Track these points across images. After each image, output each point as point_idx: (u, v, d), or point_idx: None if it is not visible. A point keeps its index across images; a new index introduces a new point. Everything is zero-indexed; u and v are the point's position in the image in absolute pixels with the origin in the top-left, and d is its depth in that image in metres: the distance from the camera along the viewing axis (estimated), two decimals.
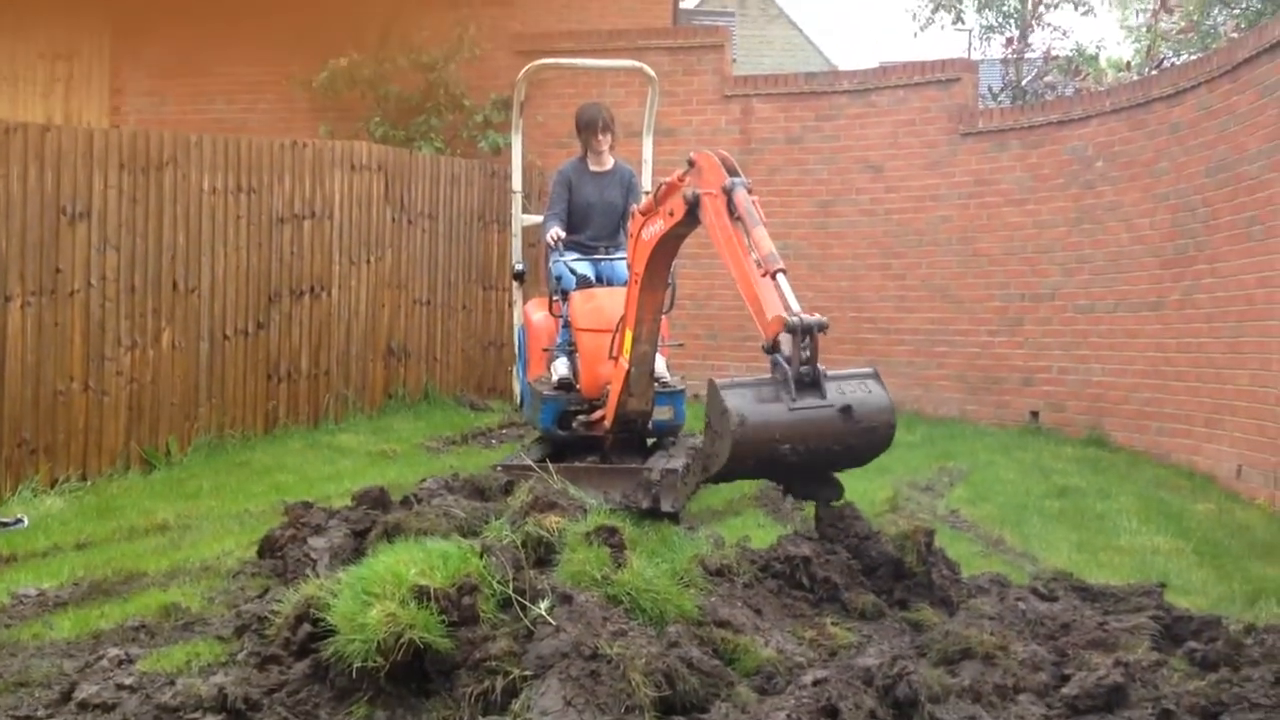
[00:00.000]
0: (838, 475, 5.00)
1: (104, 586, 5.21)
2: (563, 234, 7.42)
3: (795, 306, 4.83)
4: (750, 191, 5.13)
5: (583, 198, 7.58)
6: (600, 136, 7.56)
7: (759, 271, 4.92)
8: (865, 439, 4.82)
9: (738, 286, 5.09)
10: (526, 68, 8.36)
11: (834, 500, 4.96)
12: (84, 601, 5.01)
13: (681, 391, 7.13)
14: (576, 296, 7.18)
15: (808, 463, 4.78)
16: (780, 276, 4.86)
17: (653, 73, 8.36)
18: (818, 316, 4.79)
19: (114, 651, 4.14)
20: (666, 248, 5.88)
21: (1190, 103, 8.91)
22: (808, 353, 4.72)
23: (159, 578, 5.36)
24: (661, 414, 6.87)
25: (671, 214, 5.56)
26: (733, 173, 5.19)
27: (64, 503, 6.94)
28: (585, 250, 7.51)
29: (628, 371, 6.34)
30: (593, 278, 7.43)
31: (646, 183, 8.29)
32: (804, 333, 4.71)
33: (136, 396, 7.93)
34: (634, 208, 6.12)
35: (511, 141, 8.71)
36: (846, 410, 4.72)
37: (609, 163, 7.68)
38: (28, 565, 5.66)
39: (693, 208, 5.34)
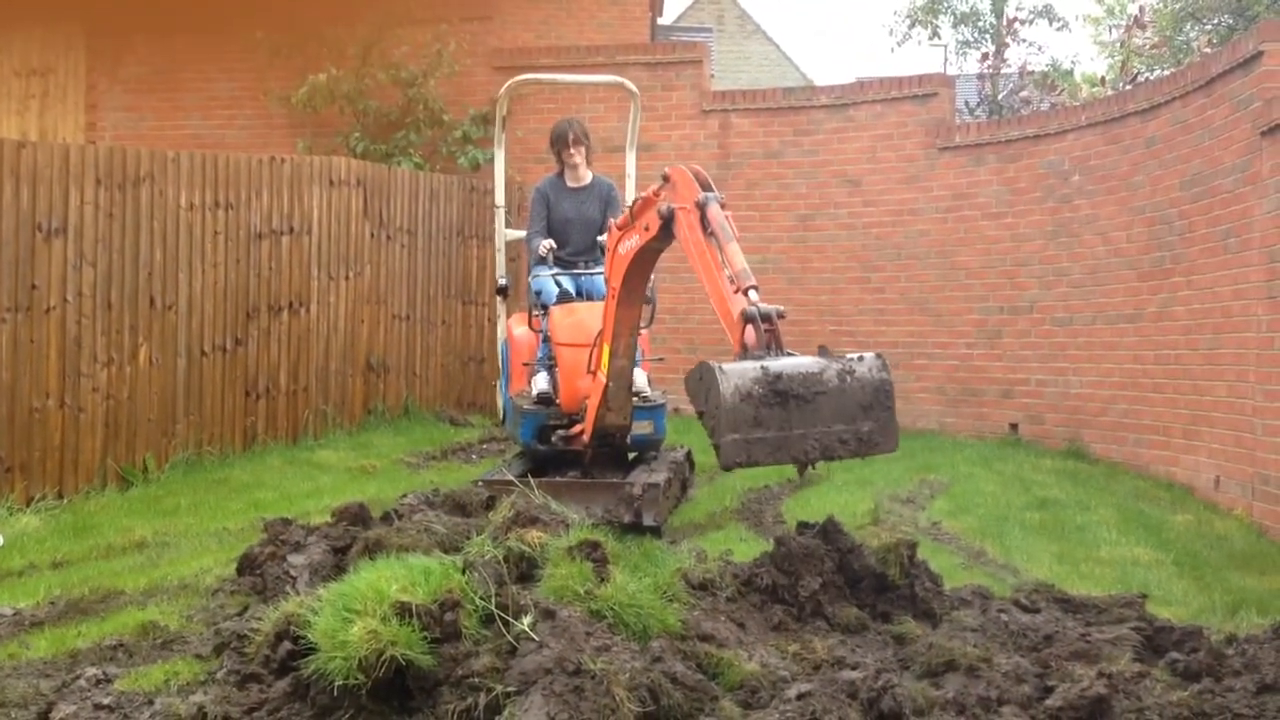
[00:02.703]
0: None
1: (81, 605, 5.15)
2: (554, 245, 7.42)
3: (778, 308, 4.80)
4: (724, 206, 5.13)
5: (560, 213, 7.58)
6: (571, 150, 7.57)
7: (731, 288, 4.92)
8: (857, 388, 4.61)
9: (711, 301, 5.09)
10: (508, 83, 8.35)
11: (890, 449, 4.69)
12: (61, 620, 4.95)
13: (662, 406, 7.15)
14: (556, 311, 7.19)
15: (811, 413, 4.53)
16: (752, 293, 4.85)
17: (634, 88, 8.38)
18: (776, 307, 4.78)
19: (91, 671, 4.09)
20: (642, 262, 5.88)
21: (1165, 117, 8.99)
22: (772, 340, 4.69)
23: (137, 596, 5.30)
24: (641, 428, 6.88)
25: (647, 229, 5.57)
26: (706, 188, 5.20)
27: (40, 521, 6.86)
28: (565, 265, 7.52)
29: (605, 386, 6.34)
30: (573, 292, 7.43)
31: (629, 197, 8.29)
32: (764, 319, 4.69)
33: (113, 413, 7.86)
34: (611, 222, 6.11)
35: (494, 156, 8.70)
36: (823, 350, 4.67)
37: (586, 177, 7.69)
38: (3, 584, 5.59)
39: (667, 223, 5.34)
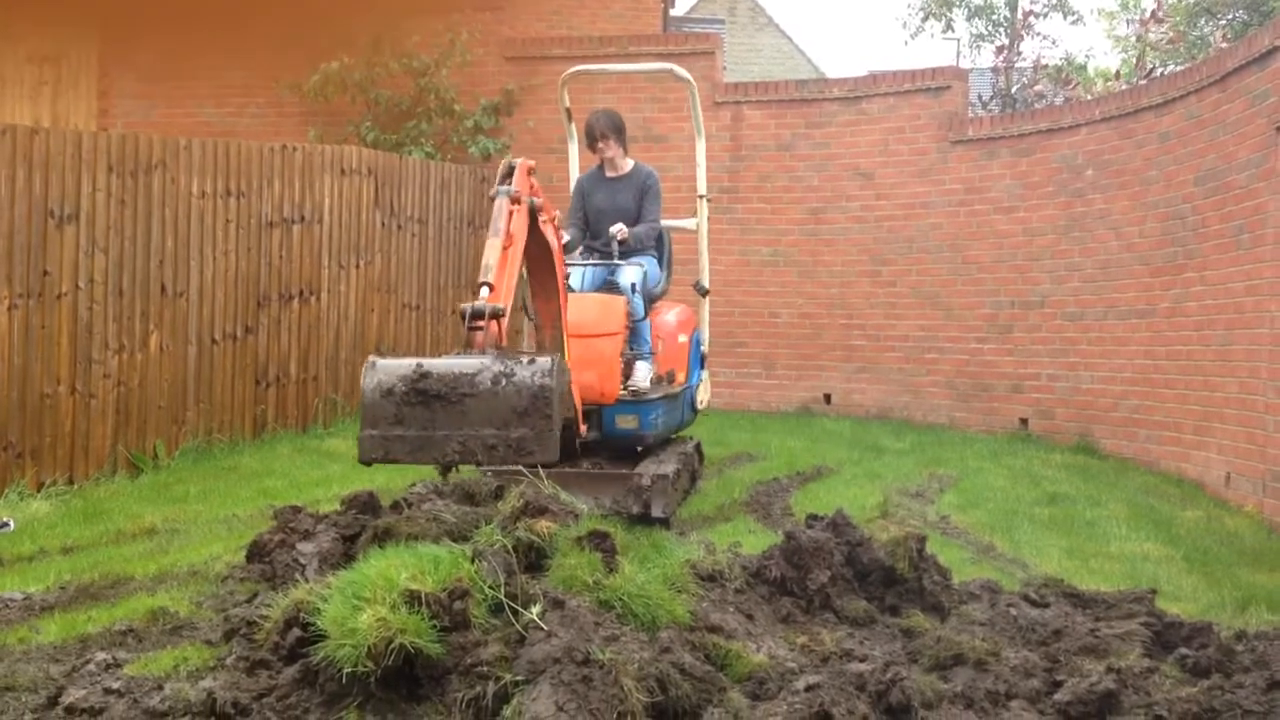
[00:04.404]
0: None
1: (91, 590, 5.17)
2: (565, 235, 7.38)
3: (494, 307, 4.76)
4: (516, 202, 5.13)
5: (594, 204, 7.57)
6: (600, 144, 7.53)
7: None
8: (512, 393, 4.45)
9: None
10: (563, 75, 8.40)
11: (546, 459, 4.49)
12: (70, 605, 4.96)
13: (654, 402, 6.95)
14: None
15: (458, 415, 4.44)
16: (484, 290, 4.83)
17: (686, 74, 8.14)
18: (493, 304, 4.72)
19: (101, 656, 4.10)
20: (539, 257, 5.92)
21: (1179, 112, 8.95)
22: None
23: (146, 582, 5.32)
24: (626, 423, 6.83)
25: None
26: (502, 180, 5.23)
27: (50, 506, 6.88)
28: (603, 256, 7.44)
29: None
30: (578, 284, 7.39)
31: (702, 187, 8.29)
32: (474, 316, 4.67)
33: (124, 400, 7.88)
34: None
35: (568, 145, 8.73)
36: (501, 350, 4.56)
37: (625, 167, 7.60)
38: (14, 569, 5.61)
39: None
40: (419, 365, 4.46)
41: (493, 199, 5.20)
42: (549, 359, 4.50)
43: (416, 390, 4.42)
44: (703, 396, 7.96)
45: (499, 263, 4.95)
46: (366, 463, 4.57)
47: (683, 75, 8.12)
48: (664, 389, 7.17)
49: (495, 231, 5.04)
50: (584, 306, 6.94)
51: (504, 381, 4.41)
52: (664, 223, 8.02)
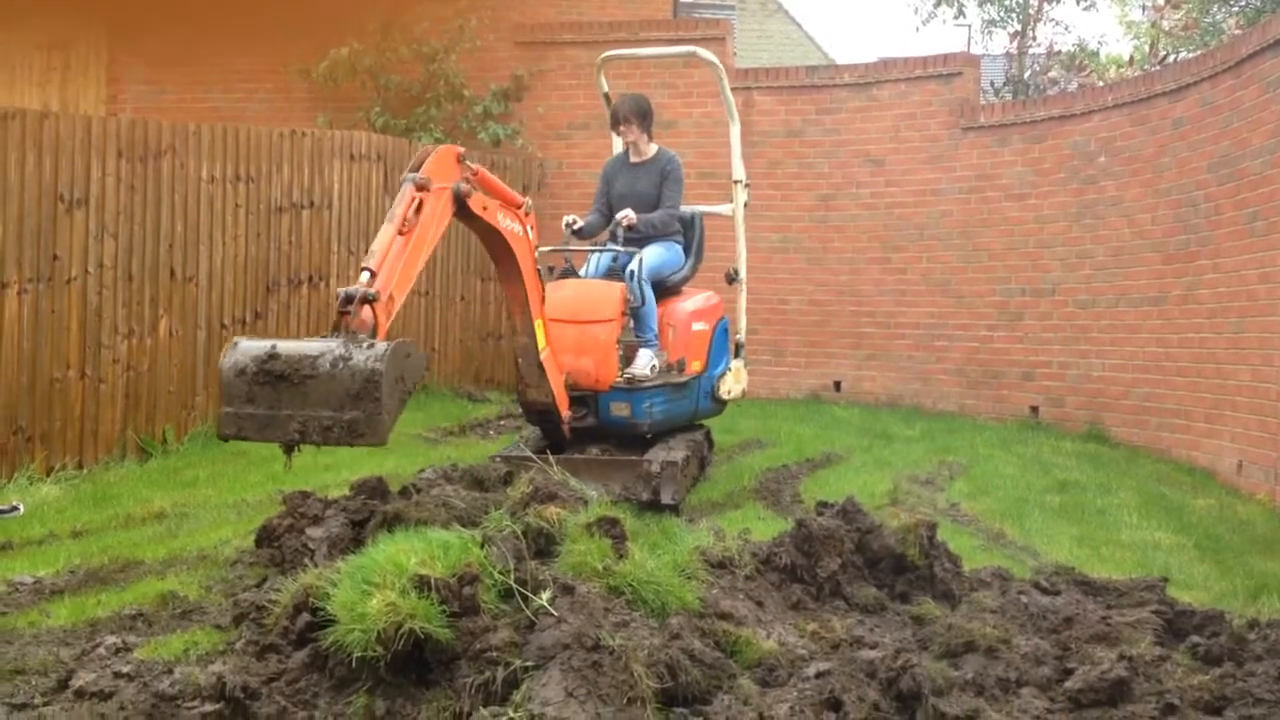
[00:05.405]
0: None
1: (100, 574, 5.19)
2: (571, 222, 7.34)
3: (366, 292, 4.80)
4: (422, 189, 5.17)
5: (616, 189, 7.54)
6: (622, 128, 7.51)
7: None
8: (347, 375, 4.51)
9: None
10: (598, 60, 8.36)
11: (375, 442, 4.55)
12: (80, 589, 4.98)
13: (650, 391, 6.85)
14: (550, 287, 7.10)
15: (300, 396, 4.53)
16: (364, 275, 4.88)
17: (710, 56, 7.99)
18: (364, 289, 4.76)
19: (111, 639, 4.11)
20: (487, 241, 5.98)
21: (1193, 98, 8.89)
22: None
23: (156, 566, 5.33)
24: (619, 410, 6.80)
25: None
26: (411, 168, 5.29)
27: (60, 490, 6.90)
28: (628, 242, 7.37)
29: (516, 360, 6.44)
30: (584, 270, 7.37)
31: (738, 173, 8.11)
32: (345, 301, 4.72)
33: (133, 385, 7.89)
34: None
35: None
36: (346, 333, 4.63)
37: (649, 152, 7.54)
38: (24, 553, 5.63)
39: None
40: (272, 346, 4.61)
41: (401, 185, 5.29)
42: (386, 344, 4.57)
43: (264, 370, 4.56)
44: (731, 386, 7.72)
45: (384, 248, 5.00)
46: (223, 439, 4.76)
47: (707, 58, 7.97)
48: (665, 377, 7.02)
49: (390, 217, 5.13)
50: (581, 292, 6.92)
51: (341, 365, 4.51)
52: (699, 208, 7.95)
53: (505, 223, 5.93)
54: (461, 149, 5.65)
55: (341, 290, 4.80)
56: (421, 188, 5.20)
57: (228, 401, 4.64)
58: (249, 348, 4.64)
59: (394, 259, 5.02)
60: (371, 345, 4.55)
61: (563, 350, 6.61)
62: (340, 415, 4.48)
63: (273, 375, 4.54)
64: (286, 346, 4.62)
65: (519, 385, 6.56)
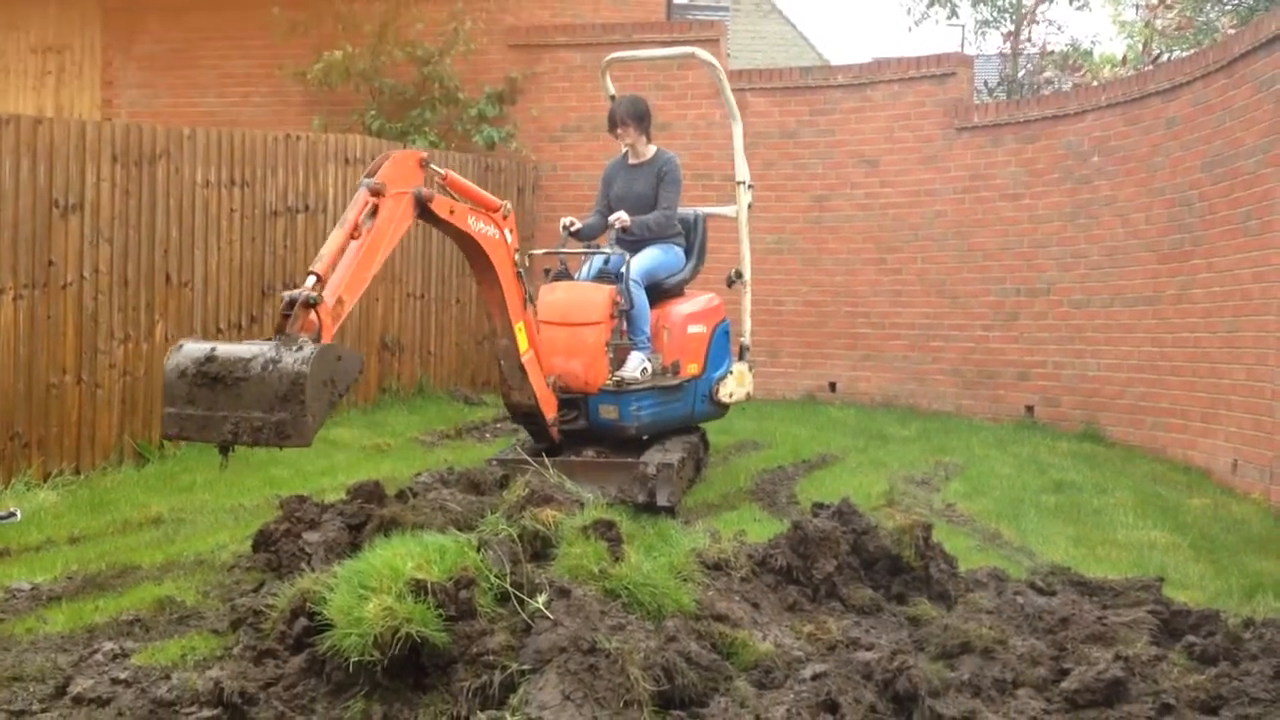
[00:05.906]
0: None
1: (98, 580, 5.19)
2: (568, 223, 7.35)
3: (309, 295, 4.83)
4: (377, 194, 5.22)
5: (615, 191, 7.54)
6: (619, 131, 7.51)
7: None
8: (275, 377, 4.58)
9: None
10: (603, 63, 8.39)
11: (299, 443, 4.60)
12: (78, 595, 4.98)
13: (635, 393, 6.83)
14: (543, 290, 7.11)
15: (235, 397, 4.60)
16: (310, 279, 4.89)
17: (709, 57, 7.94)
18: (306, 293, 4.78)
19: (108, 645, 4.12)
20: (461, 244, 6.04)
21: (1186, 98, 8.91)
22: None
23: (153, 571, 5.33)
24: (607, 413, 6.81)
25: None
26: (369, 173, 5.36)
27: (57, 496, 6.90)
28: (625, 244, 7.37)
29: (499, 364, 6.50)
30: (576, 271, 7.38)
31: (742, 174, 8.01)
32: (288, 304, 4.77)
33: (129, 390, 7.89)
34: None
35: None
36: (282, 335, 4.69)
37: (646, 154, 7.53)
38: (20, 559, 5.62)
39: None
40: (212, 349, 4.71)
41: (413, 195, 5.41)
42: (314, 347, 4.62)
43: (202, 372, 4.66)
44: (733, 390, 7.65)
45: (333, 252, 5.03)
46: (166, 438, 4.92)
47: (706, 59, 7.91)
48: (656, 380, 6.99)
49: (341, 222, 5.18)
50: (571, 295, 6.93)
51: (270, 367, 4.57)
52: (702, 209, 7.94)
53: (476, 226, 5.97)
54: (424, 153, 5.71)
55: (286, 294, 4.85)
56: (376, 193, 5.25)
57: (170, 402, 4.75)
58: (191, 350, 4.75)
59: (346, 263, 5.07)
60: (301, 348, 4.61)
61: (553, 352, 6.63)
62: (269, 416, 4.56)
63: (209, 377, 4.65)
64: (224, 349, 4.73)
65: (503, 388, 6.62)
